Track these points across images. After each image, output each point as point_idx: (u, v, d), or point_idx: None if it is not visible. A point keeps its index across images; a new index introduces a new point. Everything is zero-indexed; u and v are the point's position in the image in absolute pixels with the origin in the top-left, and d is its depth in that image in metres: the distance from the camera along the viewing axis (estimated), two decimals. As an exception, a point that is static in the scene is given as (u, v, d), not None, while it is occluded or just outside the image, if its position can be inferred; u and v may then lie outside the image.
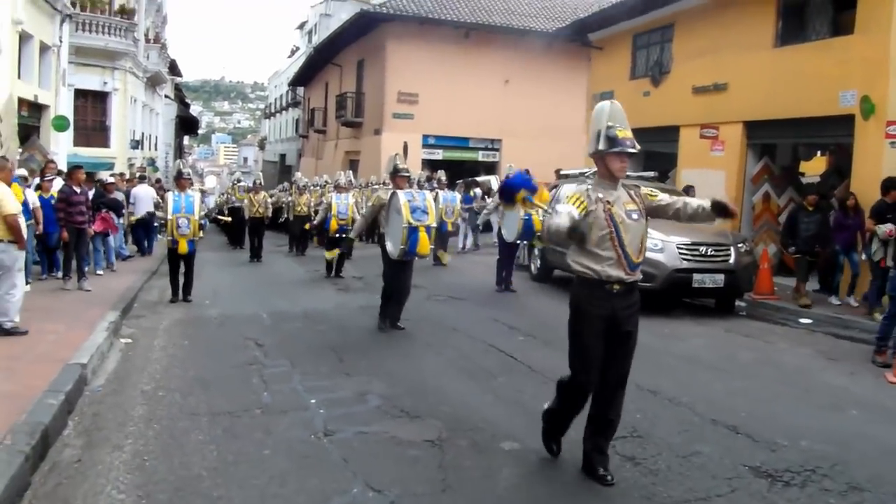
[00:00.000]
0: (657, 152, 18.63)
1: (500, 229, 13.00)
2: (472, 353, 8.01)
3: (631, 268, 4.48)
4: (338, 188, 15.31)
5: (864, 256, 10.98)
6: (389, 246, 8.73)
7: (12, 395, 5.56)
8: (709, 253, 10.67)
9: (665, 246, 10.49)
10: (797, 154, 16.31)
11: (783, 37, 14.30)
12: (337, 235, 14.13)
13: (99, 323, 8.56)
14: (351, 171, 16.88)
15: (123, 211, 13.87)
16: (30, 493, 4.26)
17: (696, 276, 10.48)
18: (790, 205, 14.83)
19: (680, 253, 10.51)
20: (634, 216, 4.49)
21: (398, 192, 8.69)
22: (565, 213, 4.28)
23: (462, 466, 4.69)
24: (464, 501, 4.19)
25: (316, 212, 19.38)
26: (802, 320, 10.79)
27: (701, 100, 16.14)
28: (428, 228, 8.46)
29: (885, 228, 9.61)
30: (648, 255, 10.41)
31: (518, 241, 12.44)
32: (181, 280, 11.16)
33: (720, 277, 10.59)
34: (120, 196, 14.49)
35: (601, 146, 4.41)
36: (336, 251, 13.91)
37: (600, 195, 4.42)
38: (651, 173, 14.25)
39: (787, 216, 12.06)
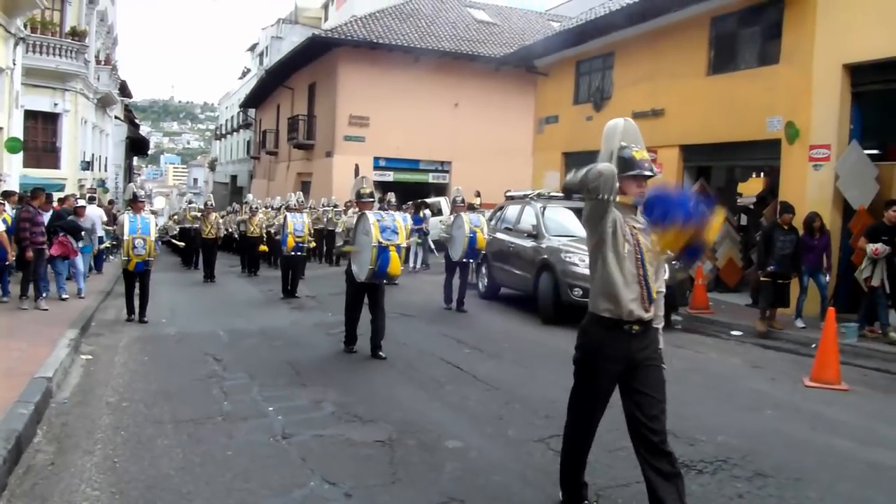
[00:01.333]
0: (600, 174, 19.35)
1: (446, 250, 13.37)
2: (421, 364, 8.47)
3: (650, 301, 4.00)
4: (289, 209, 15.62)
5: (863, 275, 10.58)
6: (355, 268, 8.63)
7: (-15, 406, 5.87)
8: (644, 270, 11.27)
9: (603, 263, 11.08)
10: (734, 176, 17.12)
11: (715, 65, 15.13)
12: (293, 253, 14.52)
13: (60, 340, 8.84)
14: (301, 193, 17.20)
15: (82, 234, 13.46)
16: (7, 493, 4.59)
17: (632, 292, 11.07)
18: (724, 225, 15.62)
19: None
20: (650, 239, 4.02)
21: (366, 212, 8.60)
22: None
23: (410, 462, 5.16)
24: (412, 491, 4.65)
25: (268, 233, 19.79)
26: (733, 332, 11.47)
27: (640, 124, 16.54)
28: (398, 248, 8.33)
29: (872, 247, 9.97)
30: (587, 272, 11.12)
31: (464, 260, 12.70)
32: (136, 301, 11.31)
33: (655, 293, 11.19)
34: (90, 221, 14.33)
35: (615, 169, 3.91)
36: None
37: (624, 219, 3.97)
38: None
39: (763, 236, 11.52)
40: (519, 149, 26.08)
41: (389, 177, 29.67)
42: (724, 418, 6.47)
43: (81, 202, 14.86)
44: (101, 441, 5.59)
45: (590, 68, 19.44)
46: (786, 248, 11.04)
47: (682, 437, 5.76)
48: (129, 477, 4.86)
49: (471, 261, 13.08)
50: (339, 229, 9.76)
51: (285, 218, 15.03)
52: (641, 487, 4.67)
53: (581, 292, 11.16)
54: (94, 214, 16.60)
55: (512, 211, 14.48)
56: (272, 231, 19.36)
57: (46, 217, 12.38)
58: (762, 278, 11.17)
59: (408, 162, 30.04)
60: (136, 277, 11.13)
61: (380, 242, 8.17)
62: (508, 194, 15.95)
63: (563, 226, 12.89)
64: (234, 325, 11.22)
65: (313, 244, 16.80)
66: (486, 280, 14.55)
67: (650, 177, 4.07)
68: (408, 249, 18.74)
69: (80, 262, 13.52)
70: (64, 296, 12.53)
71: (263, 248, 19.67)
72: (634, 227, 3.98)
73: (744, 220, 16.51)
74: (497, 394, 7.10)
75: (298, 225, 14.70)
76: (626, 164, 4.00)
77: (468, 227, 12.45)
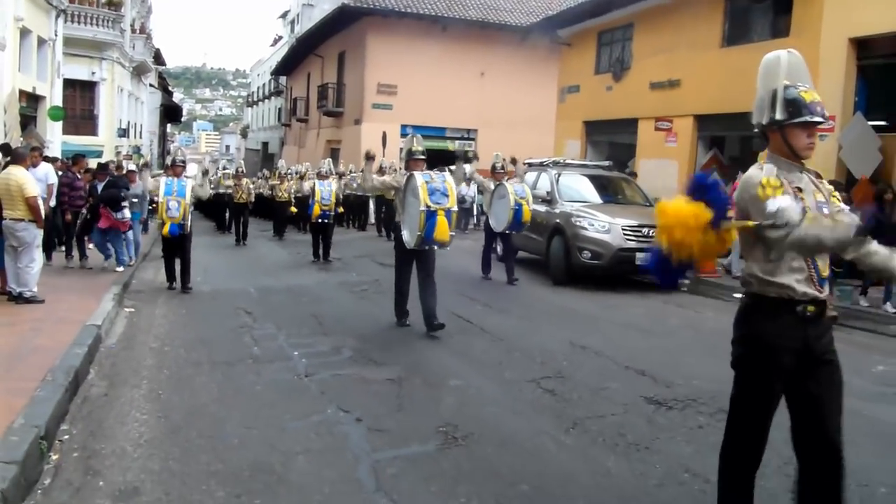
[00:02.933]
0: (619, 143, 19.89)
1: (486, 217, 13.04)
2: (434, 319, 9.19)
3: (820, 283, 3.26)
4: (319, 176, 15.68)
5: None
6: (405, 234, 8.12)
7: (45, 348, 6.68)
8: (651, 234, 11.85)
9: (611, 227, 11.73)
10: (751, 145, 17.51)
11: (730, 38, 15.56)
12: (319, 221, 14.67)
13: (105, 295, 9.66)
14: (331, 160, 17.76)
15: (124, 204, 12.23)
16: (69, 417, 5.37)
17: (639, 255, 11.67)
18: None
19: (625, 234, 11.72)
20: (825, 210, 3.30)
21: (415, 173, 8.04)
22: (793, 210, 3.11)
23: (415, 396, 5.90)
24: (413, 417, 5.38)
25: (296, 198, 20.58)
26: (736, 295, 12.00)
27: (657, 95, 17.36)
28: (448, 212, 7.80)
29: None
30: (596, 235, 11.77)
31: (507, 231, 12.22)
32: (177, 268, 11.03)
33: (661, 256, 11.79)
34: (140, 187, 13.39)
35: (778, 114, 3.27)
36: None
37: (790, 180, 3.27)
38: (606, 162, 15.49)
39: None
40: (543, 117, 26.49)
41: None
42: (703, 366, 7.11)
43: (132, 167, 14.59)
44: (147, 378, 6.37)
45: (611, 39, 19.87)
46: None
47: (660, 381, 6.45)
48: (172, 405, 5.63)
49: (512, 231, 12.32)
50: (387, 177, 9.37)
51: (314, 185, 15.14)
52: (616, 419, 5.40)
53: (590, 255, 11.81)
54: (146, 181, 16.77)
55: (529, 178, 15.05)
56: (301, 195, 20.00)
57: (100, 186, 12.34)
58: None
59: (434, 129, 30.54)
60: (175, 244, 10.83)
61: (428, 206, 7.66)
62: (527, 161, 16.49)
63: (577, 192, 13.45)
64: (264, 283, 12.00)
65: (341, 210, 17.18)
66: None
67: (821, 124, 3.30)
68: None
69: (130, 232, 13.07)
70: (119, 268, 12.08)
71: (293, 209, 20.41)
72: (799, 190, 3.27)
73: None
74: (500, 343, 7.80)
75: (325, 193, 14.72)
76: (794, 107, 3.24)
77: (513, 198, 11.85)
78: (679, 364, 7.15)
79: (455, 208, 7.99)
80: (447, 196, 7.85)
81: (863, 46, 12.66)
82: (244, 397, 5.85)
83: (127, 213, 12.26)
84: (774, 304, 3.27)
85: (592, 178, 14.09)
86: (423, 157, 8.38)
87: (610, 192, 13.83)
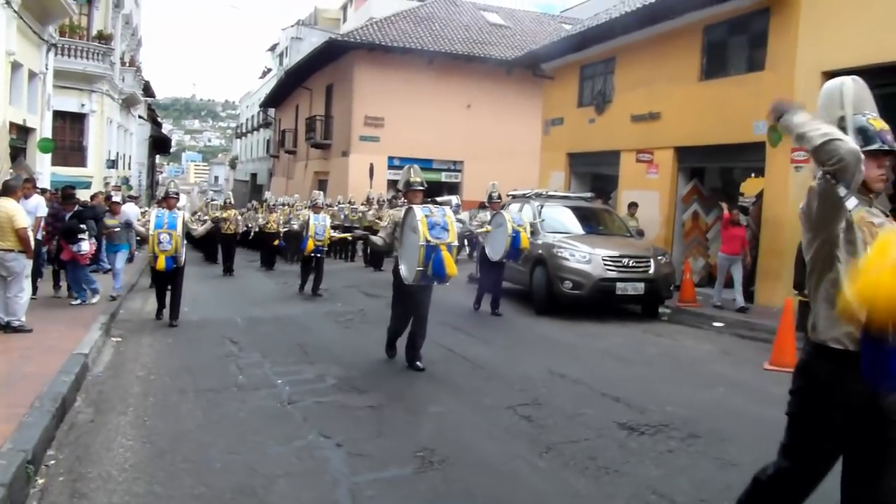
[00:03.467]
0: (602, 174, 20.21)
1: (482, 248, 12.88)
2: (417, 347, 9.36)
3: None
4: (314, 208, 15.35)
5: None
6: (403, 269, 7.83)
7: (33, 375, 6.81)
8: (630, 264, 12.12)
9: (592, 258, 11.95)
10: (732, 176, 17.83)
11: (707, 71, 15.91)
12: (312, 255, 14.44)
13: (92, 324, 9.78)
14: (322, 193, 17.80)
15: (81, 237, 11.45)
16: (56, 443, 5.49)
17: (619, 285, 11.93)
18: (717, 223, 16.41)
19: (605, 264, 11.95)
20: None
21: (413, 206, 7.76)
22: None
23: (395, 422, 6.06)
24: (393, 442, 5.53)
25: (285, 230, 20.80)
26: (715, 324, 12.26)
27: (638, 127, 17.68)
28: (449, 247, 7.51)
29: None
30: (577, 265, 11.98)
31: (504, 260, 12.10)
32: (167, 300, 10.84)
33: (641, 286, 12.05)
34: (124, 217, 13.35)
35: None
36: None
37: (864, 215, 2.99)
38: (588, 194, 15.77)
39: (799, 248, 9.08)
40: (529, 149, 26.79)
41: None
42: (678, 393, 7.31)
43: (116, 198, 14.33)
44: (133, 405, 6.51)
45: (593, 72, 20.22)
46: None
47: (634, 407, 6.63)
48: (157, 431, 5.76)
49: (510, 261, 12.28)
50: (384, 223, 8.75)
51: (308, 219, 14.84)
52: (589, 444, 5.57)
53: (571, 284, 12.01)
54: (130, 212, 16.29)
55: (513, 209, 15.29)
56: (294, 227, 20.11)
57: (67, 216, 12.08)
58: (800, 298, 9.43)
59: (421, 161, 30.40)
60: (167, 278, 10.65)
61: (428, 241, 7.37)
62: (511, 193, 16.75)
63: (560, 222, 13.68)
64: (251, 313, 12.14)
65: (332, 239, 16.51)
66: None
67: (892, 153, 3.06)
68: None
69: (117, 261, 13.19)
70: (77, 301, 11.71)
71: (276, 242, 20.62)
72: (873, 225, 2.98)
73: (743, 220, 17.24)
74: (481, 371, 7.98)
75: (319, 229, 14.49)
76: (864, 136, 3.04)
77: (510, 226, 11.69)
78: (654, 391, 7.33)
79: (456, 243, 7.68)
80: (447, 230, 7.57)
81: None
82: (228, 423, 5.99)
83: (84, 247, 11.43)
84: (841, 355, 2.97)
85: (574, 210, 14.35)
86: (422, 187, 8.15)
87: (592, 223, 14.08)
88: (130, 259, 17.68)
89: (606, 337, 10.70)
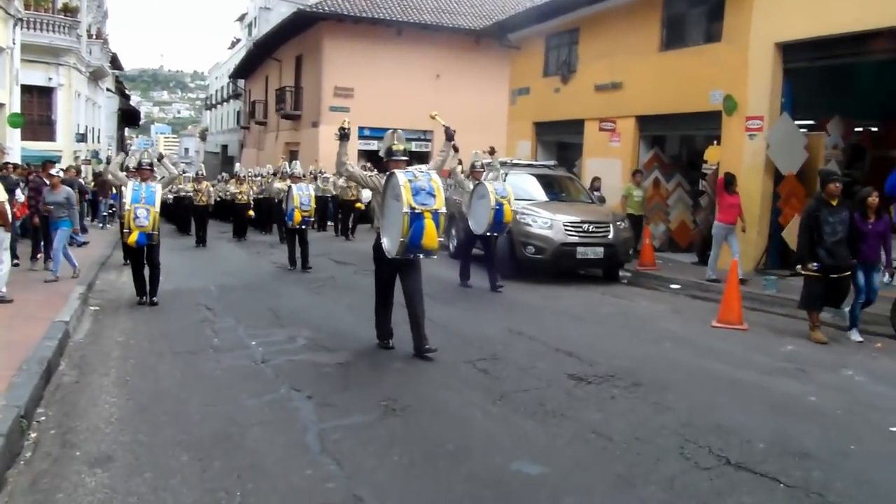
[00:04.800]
0: (567, 143, 20.67)
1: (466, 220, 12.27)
2: (385, 311, 9.81)
3: None
4: (293, 178, 14.95)
5: (886, 278, 9.29)
6: (385, 242, 7.15)
7: (18, 342, 7.17)
8: (591, 230, 12.61)
9: (553, 223, 12.43)
10: (694, 144, 18.31)
11: (667, 42, 16.36)
12: (300, 227, 13.93)
13: (71, 294, 10.12)
14: (298, 162, 17.73)
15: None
16: (44, 402, 5.88)
17: (579, 249, 12.43)
18: (677, 190, 16.98)
19: (566, 229, 12.42)
20: None
21: (395, 172, 7.03)
22: None
23: (360, 377, 6.54)
24: (358, 394, 6.01)
25: (256, 199, 21.17)
26: (672, 286, 12.83)
27: (601, 96, 18.12)
28: (435, 214, 6.79)
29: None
30: (539, 231, 12.42)
31: (488, 234, 11.63)
32: (146, 277, 10.22)
33: (600, 250, 12.57)
34: (63, 194, 12.09)
35: None
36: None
37: None
38: (551, 162, 16.23)
39: (805, 216, 8.80)
40: (497, 118, 27.14)
41: (373, 145, 30.77)
42: (626, 348, 7.85)
43: (53, 171, 12.79)
44: (114, 367, 6.91)
45: (558, 42, 20.58)
46: (837, 233, 8.55)
47: (584, 360, 7.16)
48: (139, 389, 6.18)
49: (494, 234, 11.76)
50: (364, 191, 7.74)
51: (289, 189, 14.28)
52: (539, 392, 6.06)
53: (534, 249, 12.49)
54: (70, 190, 13.46)
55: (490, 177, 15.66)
56: (270, 197, 20.25)
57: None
58: (805, 272, 8.78)
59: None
60: (141, 254, 10.02)
61: (412, 208, 6.67)
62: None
63: (525, 190, 14.05)
64: (224, 281, 12.51)
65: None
66: (454, 241, 15.69)
67: None
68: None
69: (56, 240, 11.83)
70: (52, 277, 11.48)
71: (250, 213, 20.99)
72: None
73: (702, 185, 17.81)
74: (443, 331, 8.41)
75: (304, 199, 13.89)
76: None
77: (493, 197, 11.25)
78: (604, 346, 7.86)
79: (443, 210, 6.91)
80: (434, 196, 6.82)
81: (788, 51, 13.48)
82: (205, 381, 6.42)
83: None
84: None
85: (539, 178, 14.79)
86: (405, 157, 7.42)
87: (555, 190, 14.53)
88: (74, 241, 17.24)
89: (566, 298, 11.21)
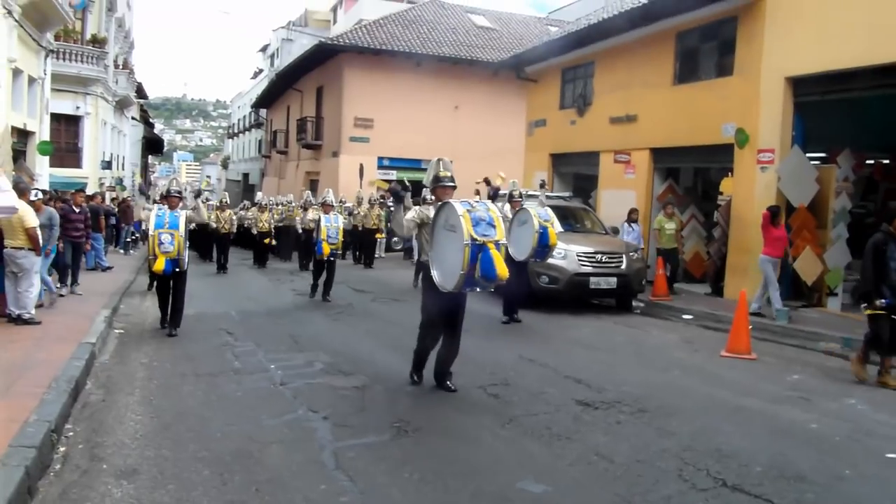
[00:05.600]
0: (583, 174, 20.94)
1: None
2: (401, 337, 10.02)
3: None
4: (324, 206, 14.44)
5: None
6: (437, 275, 6.83)
7: (47, 361, 7.48)
8: (604, 260, 12.84)
9: (567, 254, 12.66)
10: (708, 176, 18.53)
11: (680, 76, 16.65)
12: (327, 259, 13.67)
13: (96, 317, 10.47)
14: (331, 190, 17.27)
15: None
16: (72, 419, 6.16)
17: (592, 279, 12.65)
18: (691, 221, 17.16)
19: (579, 259, 12.66)
20: None
21: (451, 201, 6.74)
22: None
23: (376, 399, 6.78)
24: (374, 416, 6.24)
25: (276, 228, 21.60)
26: (685, 316, 12.99)
27: (616, 129, 18.41)
28: (498, 245, 6.49)
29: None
30: (552, 261, 12.65)
31: (531, 259, 11.33)
32: (169, 306, 10.15)
33: (613, 280, 12.79)
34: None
35: None
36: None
37: None
38: (567, 193, 16.48)
39: (871, 249, 8.07)
40: (515, 149, 27.52)
41: (392, 175, 31.21)
42: (635, 375, 8.04)
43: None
44: (139, 387, 7.19)
45: (574, 76, 20.94)
46: None
47: (593, 387, 7.36)
48: (163, 408, 6.45)
49: (537, 259, 11.57)
50: (410, 215, 7.31)
51: (319, 221, 13.88)
52: (547, 416, 6.27)
53: (547, 279, 12.81)
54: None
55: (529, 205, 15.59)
56: (291, 226, 20.49)
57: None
58: (871, 311, 8.09)
59: (410, 161, 31.42)
60: (168, 282, 9.98)
61: (474, 239, 6.36)
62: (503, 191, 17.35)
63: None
64: (245, 307, 12.82)
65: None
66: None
67: None
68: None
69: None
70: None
71: (268, 241, 21.41)
72: None
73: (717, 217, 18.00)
74: (457, 357, 8.65)
75: (332, 231, 13.60)
76: None
77: (537, 221, 10.93)
78: (614, 374, 8.07)
79: (504, 241, 6.70)
80: (494, 227, 6.54)
81: (798, 85, 13.73)
82: (226, 402, 6.68)
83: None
84: None
85: (553, 208, 14.98)
86: (452, 184, 7.21)
87: (570, 220, 14.77)
88: (102, 266, 17.41)
89: (579, 327, 11.42)
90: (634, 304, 13.83)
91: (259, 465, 5.06)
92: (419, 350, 7.41)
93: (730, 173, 19.74)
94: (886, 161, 15.62)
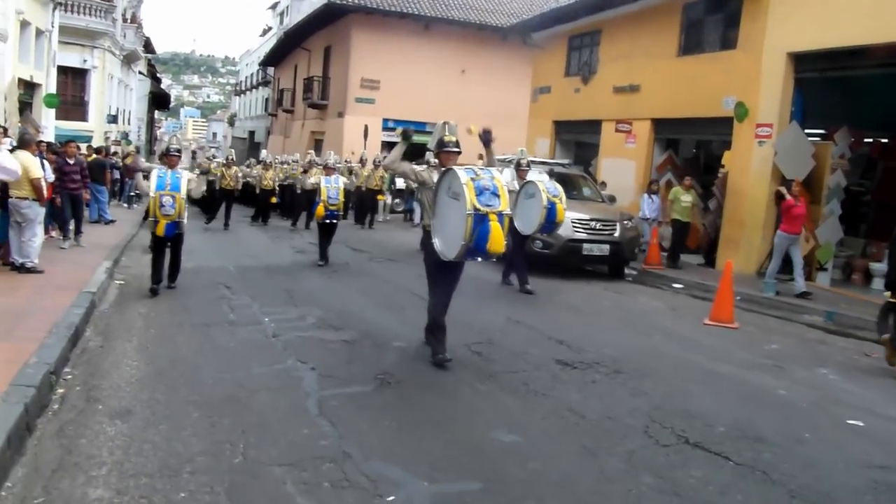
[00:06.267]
0: (585, 142, 21.06)
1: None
2: (394, 295, 10.34)
3: None
4: (326, 169, 14.19)
5: None
6: (438, 243, 6.71)
7: (48, 308, 7.74)
8: (598, 227, 13.05)
9: (562, 220, 12.82)
10: (709, 148, 18.59)
11: (685, 48, 16.71)
12: (326, 222, 13.34)
13: (98, 267, 10.73)
14: (332, 152, 17.33)
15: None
16: (70, 364, 6.42)
17: (585, 246, 12.86)
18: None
19: (573, 226, 12.85)
20: None
21: (455, 168, 6.54)
22: None
23: (363, 353, 7.04)
24: (359, 368, 6.50)
25: (281, 186, 21.79)
26: (675, 285, 13.22)
27: (619, 98, 18.50)
28: (500, 216, 6.26)
29: None
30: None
31: (538, 233, 11.39)
32: (166, 264, 10.00)
33: (606, 247, 13.00)
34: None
35: None
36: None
37: None
38: (565, 161, 16.64)
39: None
40: (520, 115, 27.57)
41: (397, 138, 31.28)
42: (617, 339, 8.29)
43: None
44: (136, 335, 7.45)
45: (580, 44, 20.96)
46: None
47: (573, 348, 7.62)
48: (158, 356, 6.71)
49: (544, 234, 11.69)
50: (408, 166, 7.22)
51: (320, 182, 13.58)
52: (526, 374, 6.53)
53: (541, 244, 12.91)
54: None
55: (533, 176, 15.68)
56: (298, 186, 20.38)
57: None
58: (891, 299, 7.87)
59: (415, 124, 31.09)
60: (167, 243, 9.84)
61: (476, 209, 6.15)
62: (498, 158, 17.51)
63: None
64: (243, 262, 13.07)
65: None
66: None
67: None
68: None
69: None
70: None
71: (273, 199, 21.59)
72: None
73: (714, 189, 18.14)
74: (447, 317, 8.90)
75: (332, 192, 13.21)
76: None
77: (546, 196, 10.70)
78: (595, 336, 8.32)
79: (508, 211, 6.44)
80: (498, 196, 6.30)
81: (800, 61, 13.82)
82: (219, 351, 6.95)
83: None
84: None
85: (552, 175, 15.17)
86: (457, 149, 6.98)
87: (567, 187, 14.86)
88: (105, 220, 17.66)
89: (569, 292, 11.65)
90: (627, 271, 14.05)
91: (247, 409, 5.33)
92: (431, 311, 7.18)
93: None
94: (885, 140, 15.72)
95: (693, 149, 18.45)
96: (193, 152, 15.99)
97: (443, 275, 7.00)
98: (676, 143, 17.91)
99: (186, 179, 9.63)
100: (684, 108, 16.28)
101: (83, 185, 14.20)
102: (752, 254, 14.00)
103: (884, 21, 11.79)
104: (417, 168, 7.28)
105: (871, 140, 15.53)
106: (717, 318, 9.78)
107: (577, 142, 21.84)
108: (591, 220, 13.05)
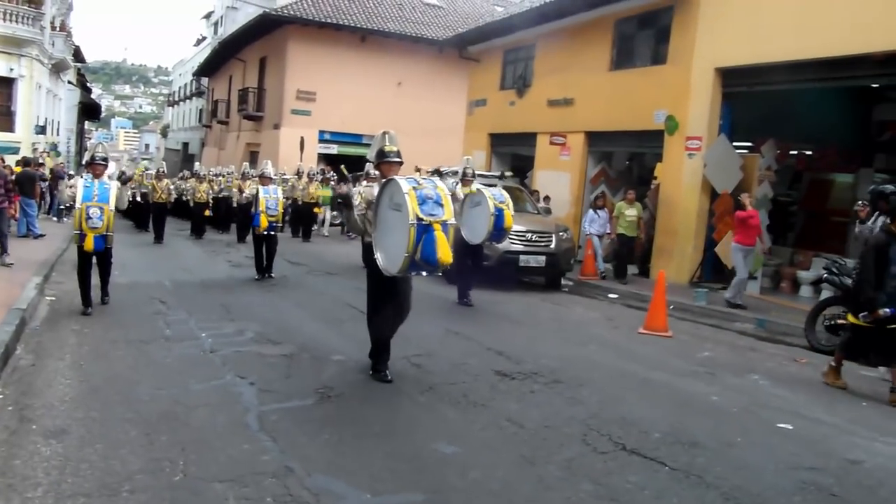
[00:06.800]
0: (520, 154, 21.33)
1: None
2: (331, 308, 10.33)
3: None
4: (262, 179, 13.57)
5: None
6: (381, 258, 6.41)
7: (-24, 325, 7.55)
8: (533, 239, 13.23)
9: (498, 232, 12.96)
10: (644, 161, 18.96)
11: (617, 62, 17.10)
12: (265, 233, 12.97)
13: (28, 284, 10.47)
14: (269, 162, 16.90)
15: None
16: (1, 382, 6.27)
17: (522, 257, 13.03)
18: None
19: (510, 238, 12.95)
20: None
21: (396, 178, 6.30)
22: None
23: (302, 367, 7.02)
24: (298, 383, 6.49)
25: (215, 199, 21.54)
26: (611, 295, 13.48)
27: (553, 111, 18.80)
28: (445, 225, 6.07)
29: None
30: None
31: (487, 242, 11.14)
32: (95, 283, 9.64)
33: (542, 258, 13.19)
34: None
35: None
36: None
37: None
38: (498, 172, 16.81)
39: (872, 250, 7.21)
40: (456, 128, 27.77)
41: (333, 149, 31.26)
42: (554, 349, 8.43)
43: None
44: (70, 352, 7.30)
45: (515, 57, 21.27)
46: None
47: (512, 358, 7.73)
48: (92, 373, 6.60)
49: (493, 242, 11.48)
50: (356, 201, 6.73)
51: (257, 192, 13.11)
52: (465, 385, 6.60)
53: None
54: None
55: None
56: (237, 200, 19.88)
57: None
58: (856, 322, 7.39)
59: (352, 136, 31.47)
60: (91, 259, 9.40)
61: (419, 219, 5.95)
62: (430, 170, 17.61)
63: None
64: (178, 277, 12.90)
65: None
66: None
67: None
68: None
69: None
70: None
71: (207, 212, 21.36)
72: None
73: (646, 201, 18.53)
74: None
75: (271, 203, 12.92)
76: None
77: (492, 203, 10.52)
78: (533, 347, 8.45)
79: (453, 221, 6.23)
80: (441, 206, 6.12)
81: (728, 76, 14.26)
82: (155, 367, 6.86)
83: None
84: None
85: (487, 187, 15.30)
86: (398, 159, 6.75)
87: (503, 200, 15.06)
88: (34, 234, 17.24)
89: (507, 304, 11.79)
90: (563, 282, 14.26)
91: (185, 426, 5.28)
92: (374, 337, 6.88)
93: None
94: (809, 152, 16.30)
95: (626, 161, 18.81)
96: (126, 179, 15.09)
97: (389, 293, 6.66)
98: (610, 155, 18.25)
99: (115, 189, 9.20)
100: (617, 121, 16.64)
101: (7, 199, 13.81)
102: (685, 263, 14.36)
103: (808, 38, 12.25)
104: (364, 192, 6.80)
105: (796, 152, 16.07)
106: (652, 327, 10.01)
107: (513, 154, 22.11)
108: (527, 231, 13.22)
